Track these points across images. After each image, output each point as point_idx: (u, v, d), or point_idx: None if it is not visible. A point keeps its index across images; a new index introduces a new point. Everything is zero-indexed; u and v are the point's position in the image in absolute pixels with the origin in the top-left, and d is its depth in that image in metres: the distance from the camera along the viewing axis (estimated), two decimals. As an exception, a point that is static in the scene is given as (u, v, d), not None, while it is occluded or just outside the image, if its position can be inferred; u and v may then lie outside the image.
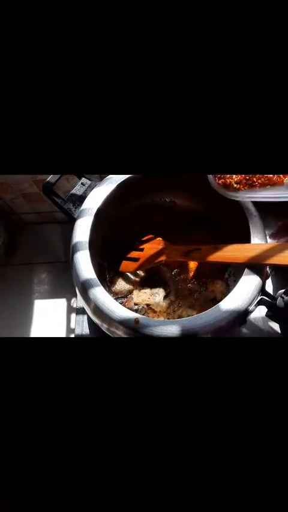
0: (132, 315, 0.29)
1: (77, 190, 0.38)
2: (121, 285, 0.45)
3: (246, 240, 0.33)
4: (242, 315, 0.30)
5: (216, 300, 0.42)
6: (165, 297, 0.43)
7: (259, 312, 0.48)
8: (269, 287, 0.49)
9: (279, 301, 0.31)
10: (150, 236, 0.44)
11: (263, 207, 0.37)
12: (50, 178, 0.36)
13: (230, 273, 0.45)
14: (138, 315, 0.29)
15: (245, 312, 0.30)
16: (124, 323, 0.29)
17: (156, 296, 0.43)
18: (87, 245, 0.32)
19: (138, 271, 0.46)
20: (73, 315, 0.61)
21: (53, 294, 0.63)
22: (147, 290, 0.44)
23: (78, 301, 0.52)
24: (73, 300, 0.62)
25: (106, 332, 0.33)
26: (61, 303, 0.62)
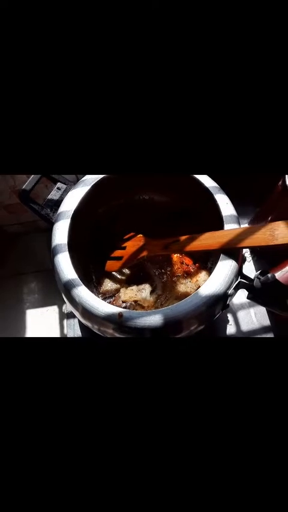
0: (115, 309, 0.30)
1: (53, 195, 0.39)
2: (108, 285, 0.46)
3: (221, 227, 0.35)
4: (221, 299, 0.31)
5: (201, 290, 0.43)
6: (152, 292, 0.44)
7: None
8: (252, 272, 0.51)
9: (256, 282, 0.32)
10: (132, 234, 0.45)
11: (240, 195, 0.38)
12: (26, 185, 0.37)
13: (212, 262, 0.46)
14: (121, 309, 0.30)
15: (225, 296, 0.31)
16: (109, 319, 0.30)
17: (142, 292, 0.44)
18: (66, 247, 0.33)
19: (123, 270, 0.46)
20: (65, 321, 0.61)
21: (44, 302, 0.63)
22: (134, 287, 0.44)
23: (68, 305, 0.52)
24: (64, 306, 0.62)
25: (98, 333, 0.33)
26: (52, 310, 0.63)
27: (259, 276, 0.32)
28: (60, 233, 0.34)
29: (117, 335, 0.31)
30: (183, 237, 0.36)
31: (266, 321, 0.49)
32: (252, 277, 0.35)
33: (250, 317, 0.48)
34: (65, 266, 0.32)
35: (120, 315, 0.29)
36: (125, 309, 0.30)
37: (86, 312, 0.31)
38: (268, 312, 0.50)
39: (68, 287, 0.31)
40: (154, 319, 0.29)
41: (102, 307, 0.30)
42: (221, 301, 0.31)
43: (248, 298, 0.36)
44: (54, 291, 0.64)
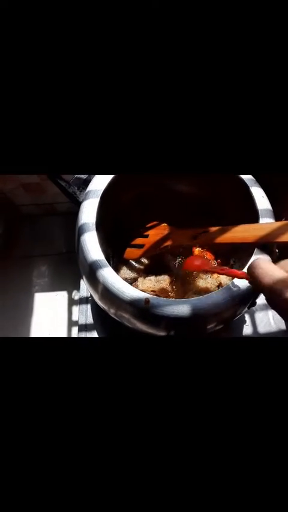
0: (142, 294, 0.28)
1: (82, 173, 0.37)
2: (126, 273, 0.45)
3: (254, 222, 0.33)
4: (252, 295, 0.30)
5: (222, 286, 0.42)
6: (170, 284, 0.43)
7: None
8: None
9: (289, 281, 0.31)
10: (155, 222, 0.43)
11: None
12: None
13: (235, 260, 0.45)
14: (148, 295, 0.28)
15: (255, 292, 0.30)
16: (134, 304, 0.28)
17: (161, 283, 0.43)
18: (94, 226, 0.32)
19: (142, 259, 0.45)
20: (74, 308, 0.60)
21: (54, 286, 0.62)
22: (152, 277, 0.43)
23: (82, 290, 0.51)
24: (74, 292, 0.61)
25: (113, 316, 0.32)
26: (62, 296, 0.61)
27: (293, 275, 0.30)
28: (89, 212, 0.33)
29: (134, 321, 0.30)
30: (213, 228, 0.35)
31: (283, 325, 0.47)
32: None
33: (268, 319, 0.47)
34: (92, 246, 0.31)
35: (147, 301, 0.28)
36: (152, 296, 0.28)
37: (109, 295, 0.30)
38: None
39: (93, 268, 0.30)
40: (182, 309, 0.28)
41: (129, 291, 0.28)
42: (251, 297, 0.30)
43: (275, 297, 0.35)
44: (65, 276, 0.62)
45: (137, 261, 0.45)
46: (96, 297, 0.33)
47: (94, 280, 0.31)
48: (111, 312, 0.32)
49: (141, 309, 0.28)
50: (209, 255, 0.46)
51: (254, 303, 0.32)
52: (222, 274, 0.29)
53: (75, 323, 0.58)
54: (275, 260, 0.33)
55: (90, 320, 0.47)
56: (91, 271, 0.30)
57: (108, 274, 0.29)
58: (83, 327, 0.47)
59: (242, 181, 0.35)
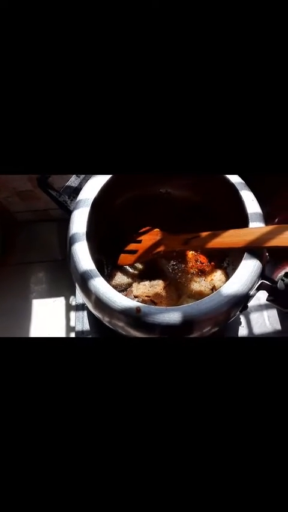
0: (133, 303, 0.28)
1: (72, 182, 0.37)
2: (120, 278, 0.45)
3: (245, 225, 0.33)
4: (243, 300, 0.30)
5: (215, 289, 0.42)
6: (164, 289, 0.43)
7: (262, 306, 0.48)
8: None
9: (280, 284, 0.31)
10: (148, 228, 0.43)
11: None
12: (44, 171, 0.36)
13: (228, 262, 0.45)
14: (140, 303, 0.29)
15: (246, 297, 0.30)
16: (125, 312, 0.28)
17: (156, 287, 0.43)
18: (84, 236, 0.32)
19: (136, 264, 0.45)
20: (72, 313, 0.60)
21: (51, 292, 0.63)
22: (147, 282, 0.43)
23: (78, 297, 0.51)
24: (72, 298, 0.61)
25: (108, 325, 0.32)
26: (60, 302, 0.62)
27: (283, 278, 0.31)
28: (79, 222, 0.33)
29: (128, 329, 0.30)
30: (204, 233, 0.35)
31: (279, 325, 0.47)
32: (273, 278, 0.33)
33: (263, 320, 0.47)
34: (83, 256, 0.31)
35: (138, 309, 0.28)
36: (143, 304, 0.29)
37: (102, 305, 0.30)
38: (280, 316, 0.48)
39: (84, 278, 0.30)
40: (174, 316, 0.28)
41: (120, 300, 0.29)
42: (242, 302, 0.30)
43: (267, 300, 0.35)
44: (62, 282, 0.63)
45: (132, 266, 0.46)
46: (89, 306, 0.33)
47: (86, 290, 0.31)
48: (105, 320, 0.32)
49: (133, 317, 0.28)
50: (202, 258, 0.46)
51: (245, 307, 0.33)
52: None
53: (73, 329, 0.58)
54: (266, 264, 0.33)
55: (86, 326, 0.47)
56: (83, 281, 0.31)
57: (99, 284, 0.30)
58: (79, 333, 0.47)
59: (232, 185, 0.35)
